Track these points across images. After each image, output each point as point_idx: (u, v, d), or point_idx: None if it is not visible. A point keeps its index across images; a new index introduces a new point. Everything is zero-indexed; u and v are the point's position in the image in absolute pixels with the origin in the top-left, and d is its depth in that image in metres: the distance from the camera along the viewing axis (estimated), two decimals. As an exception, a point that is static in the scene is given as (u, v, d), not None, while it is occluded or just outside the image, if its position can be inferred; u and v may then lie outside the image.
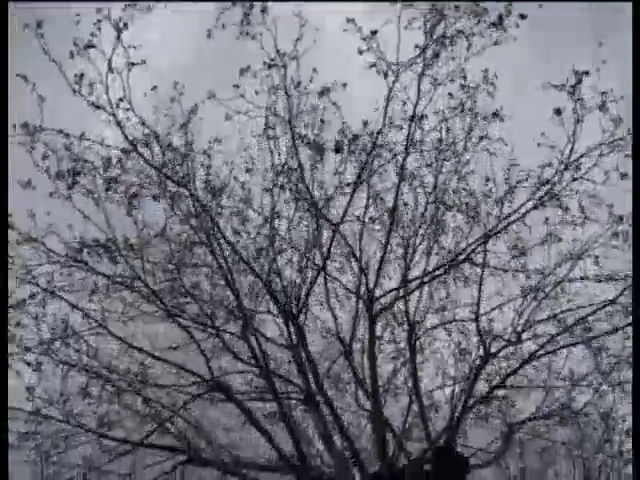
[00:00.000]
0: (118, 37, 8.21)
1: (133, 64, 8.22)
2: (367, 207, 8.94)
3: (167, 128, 8.80)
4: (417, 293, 9.47)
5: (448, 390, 9.73)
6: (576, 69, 8.08)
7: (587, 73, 8.01)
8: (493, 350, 9.52)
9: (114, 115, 8.43)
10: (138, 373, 9.53)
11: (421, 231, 9.14)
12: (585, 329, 9.17)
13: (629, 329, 8.94)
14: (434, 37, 8.46)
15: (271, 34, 8.41)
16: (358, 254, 8.96)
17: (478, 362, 9.47)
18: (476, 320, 9.60)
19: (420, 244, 9.19)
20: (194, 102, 8.67)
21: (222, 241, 8.92)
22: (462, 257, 9.14)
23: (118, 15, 8.30)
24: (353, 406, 9.42)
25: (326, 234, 8.90)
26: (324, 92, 8.38)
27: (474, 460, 9.16)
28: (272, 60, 8.50)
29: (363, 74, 8.70)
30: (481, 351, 9.50)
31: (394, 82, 8.51)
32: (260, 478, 9.76)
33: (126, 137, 8.50)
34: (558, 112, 8.08)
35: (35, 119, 8.70)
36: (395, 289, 9.09)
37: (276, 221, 8.98)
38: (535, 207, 8.70)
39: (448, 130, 8.70)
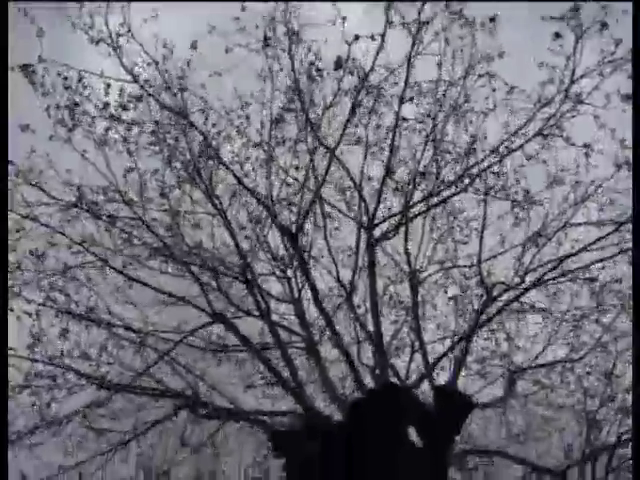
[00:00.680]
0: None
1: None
2: (366, 127, 8.82)
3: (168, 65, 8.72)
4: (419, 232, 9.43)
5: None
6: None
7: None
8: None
9: (114, 47, 8.39)
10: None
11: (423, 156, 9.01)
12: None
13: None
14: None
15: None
16: (358, 180, 8.89)
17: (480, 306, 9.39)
18: (478, 264, 9.54)
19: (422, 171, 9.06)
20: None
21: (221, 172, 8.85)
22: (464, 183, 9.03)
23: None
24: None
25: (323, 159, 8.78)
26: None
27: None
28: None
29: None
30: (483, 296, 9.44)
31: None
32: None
33: (124, 67, 8.43)
34: (557, 35, 8.02)
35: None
36: (395, 214, 9.00)
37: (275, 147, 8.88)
38: (537, 134, 8.60)
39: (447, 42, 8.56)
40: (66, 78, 8.66)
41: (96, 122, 9.01)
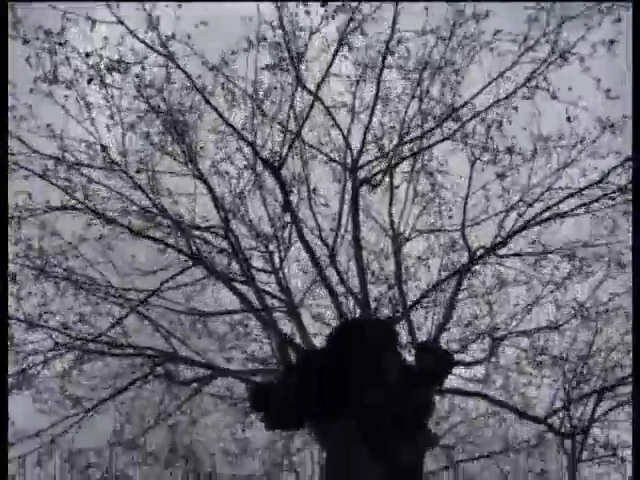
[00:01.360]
0: None
1: None
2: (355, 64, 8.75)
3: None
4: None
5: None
6: None
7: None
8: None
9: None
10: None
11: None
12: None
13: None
14: None
15: None
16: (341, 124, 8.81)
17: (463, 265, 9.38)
18: (462, 229, 9.53)
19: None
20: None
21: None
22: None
23: None
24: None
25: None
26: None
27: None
28: None
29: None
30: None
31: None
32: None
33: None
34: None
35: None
36: (381, 156, 8.95)
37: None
38: (523, 84, 8.60)
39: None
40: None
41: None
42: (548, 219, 9.07)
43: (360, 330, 6.42)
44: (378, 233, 9.96)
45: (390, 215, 9.24)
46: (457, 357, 9.19)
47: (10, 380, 9.10)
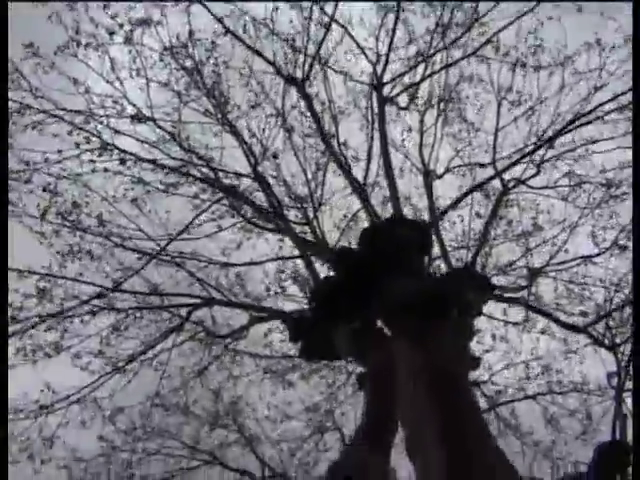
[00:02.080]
0: None
1: None
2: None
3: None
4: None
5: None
6: None
7: None
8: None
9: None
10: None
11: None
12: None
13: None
14: None
15: None
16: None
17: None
18: (493, 162, 9.45)
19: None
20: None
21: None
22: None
23: None
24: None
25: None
26: None
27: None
28: None
29: None
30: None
31: None
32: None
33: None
34: None
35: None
36: (405, 72, 8.88)
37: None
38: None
39: None
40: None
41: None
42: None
43: (391, 227, 6.32)
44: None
45: (420, 148, 9.20)
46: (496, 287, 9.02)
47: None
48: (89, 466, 10.01)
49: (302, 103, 8.50)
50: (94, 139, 9.26)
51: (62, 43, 9.52)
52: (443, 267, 8.52)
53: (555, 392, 10.81)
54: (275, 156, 9.53)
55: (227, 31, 8.62)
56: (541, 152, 9.40)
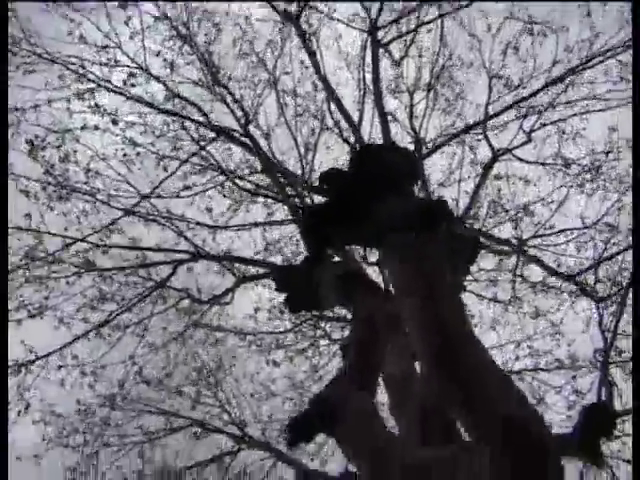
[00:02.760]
0: None
1: None
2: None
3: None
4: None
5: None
6: None
7: None
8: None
9: None
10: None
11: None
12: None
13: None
14: None
15: None
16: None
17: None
18: (484, 131, 9.47)
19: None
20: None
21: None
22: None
23: None
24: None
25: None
26: None
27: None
28: None
29: None
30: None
31: None
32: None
33: None
34: None
35: None
36: (399, 18, 8.89)
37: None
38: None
39: None
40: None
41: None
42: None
43: (382, 152, 6.24)
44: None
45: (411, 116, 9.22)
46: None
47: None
48: (66, 423, 9.82)
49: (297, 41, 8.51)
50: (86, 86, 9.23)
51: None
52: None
53: (542, 369, 10.73)
54: None
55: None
56: (532, 121, 9.51)
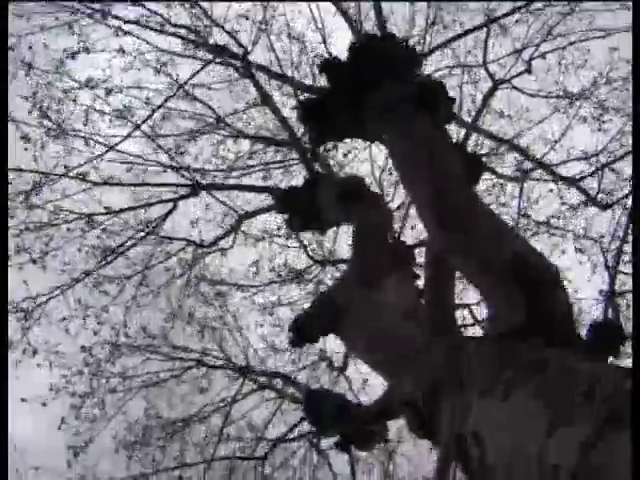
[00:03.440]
0: None
1: None
2: None
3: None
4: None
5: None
6: None
7: None
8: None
9: None
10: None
11: None
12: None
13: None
14: None
15: None
16: None
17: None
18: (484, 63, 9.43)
19: None
20: None
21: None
22: None
23: None
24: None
25: None
26: None
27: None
28: None
29: None
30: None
31: None
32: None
33: None
34: None
35: None
36: None
37: None
38: None
39: None
40: None
41: None
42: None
43: (379, 41, 6.18)
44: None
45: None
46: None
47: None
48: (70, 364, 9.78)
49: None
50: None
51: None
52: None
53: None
54: None
55: None
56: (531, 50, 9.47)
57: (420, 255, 7.94)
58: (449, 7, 9.52)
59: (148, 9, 8.78)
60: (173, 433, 10.32)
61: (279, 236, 11.03)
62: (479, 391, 3.64)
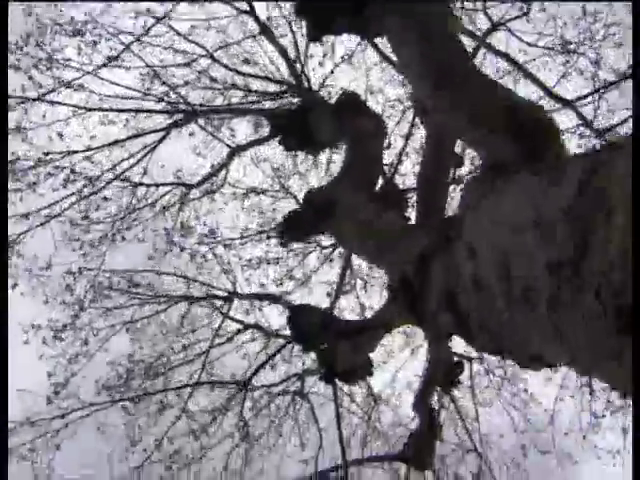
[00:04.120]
0: None
1: None
2: None
3: None
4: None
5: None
6: None
7: None
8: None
9: None
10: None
11: None
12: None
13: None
14: None
15: None
16: None
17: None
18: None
19: None
20: None
21: None
22: None
23: None
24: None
25: None
26: None
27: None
28: None
29: None
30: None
31: None
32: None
33: None
34: None
35: None
36: None
37: None
38: None
39: None
40: None
41: None
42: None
43: None
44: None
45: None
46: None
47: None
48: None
49: None
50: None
51: None
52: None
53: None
54: None
55: None
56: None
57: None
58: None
59: None
60: (156, 375, 10.18)
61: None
62: (472, 206, 3.59)
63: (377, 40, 8.46)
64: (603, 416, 9.93)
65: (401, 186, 8.93)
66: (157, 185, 10.09)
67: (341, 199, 5.92)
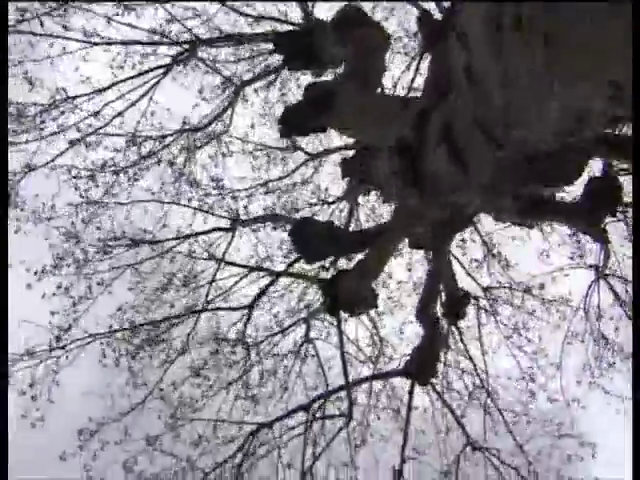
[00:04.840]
0: None
1: None
2: None
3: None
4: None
5: None
6: None
7: None
8: None
9: None
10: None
11: None
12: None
13: None
14: None
15: None
16: None
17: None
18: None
19: None
20: None
21: None
22: None
23: None
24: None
25: None
26: None
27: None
28: None
29: None
30: None
31: None
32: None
33: None
34: None
35: None
36: None
37: None
38: None
39: None
40: None
41: None
42: None
43: None
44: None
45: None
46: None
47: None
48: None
49: None
50: None
51: None
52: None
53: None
54: None
55: None
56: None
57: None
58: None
59: None
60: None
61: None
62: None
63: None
64: (613, 363, 9.72)
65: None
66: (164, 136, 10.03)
67: (340, 91, 5.85)
